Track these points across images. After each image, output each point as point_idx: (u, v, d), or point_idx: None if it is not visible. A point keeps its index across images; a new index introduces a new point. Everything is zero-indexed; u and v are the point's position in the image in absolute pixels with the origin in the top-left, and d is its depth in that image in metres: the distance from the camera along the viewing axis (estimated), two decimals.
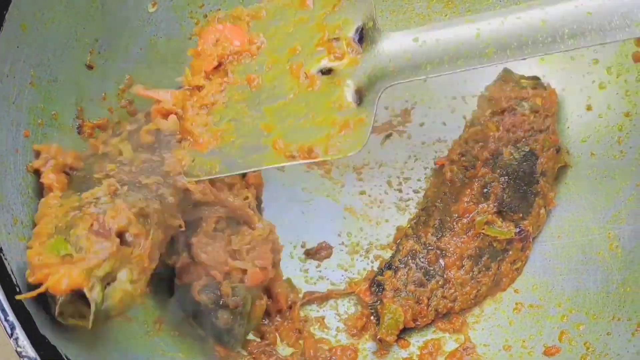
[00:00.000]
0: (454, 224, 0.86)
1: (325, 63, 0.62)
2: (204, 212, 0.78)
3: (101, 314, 0.65)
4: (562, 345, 0.81)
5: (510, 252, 0.86)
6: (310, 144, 0.60)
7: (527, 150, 0.87)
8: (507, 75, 0.93)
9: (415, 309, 0.84)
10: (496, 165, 0.87)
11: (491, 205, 0.85)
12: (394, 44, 0.63)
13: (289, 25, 0.65)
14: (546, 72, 0.93)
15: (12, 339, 0.62)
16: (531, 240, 0.87)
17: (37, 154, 0.74)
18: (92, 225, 0.66)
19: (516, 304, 0.86)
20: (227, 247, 0.78)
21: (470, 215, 0.86)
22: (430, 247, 0.86)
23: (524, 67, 0.93)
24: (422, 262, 0.86)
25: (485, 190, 0.86)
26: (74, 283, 0.63)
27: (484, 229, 0.85)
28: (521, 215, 0.86)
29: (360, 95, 0.62)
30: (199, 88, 0.66)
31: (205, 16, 0.92)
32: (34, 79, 0.76)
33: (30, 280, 0.65)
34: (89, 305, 0.64)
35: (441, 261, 0.85)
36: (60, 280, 0.63)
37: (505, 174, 0.86)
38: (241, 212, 0.79)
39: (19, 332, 0.62)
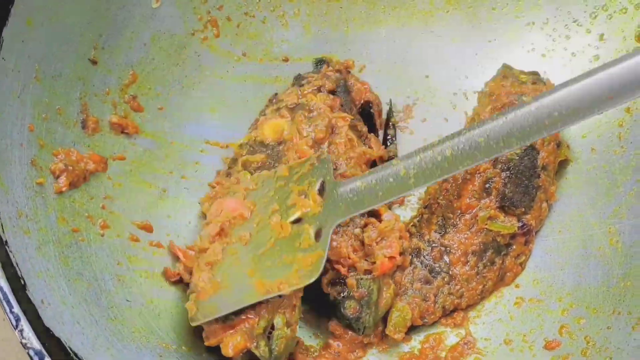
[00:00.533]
0: (457, 220, 0.86)
1: (296, 215, 0.79)
2: None
3: None
4: (563, 339, 0.81)
5: (514, 247, 0.87)
6: (281, 279, 0.75)
7: (528, 145, 0.88)
8: (506, 71, 0.93)
9: (423, 307, 0.84)
10: (497, 160, 0.87)
11: (493, 201, 0.86)
12: (344, 189, 0.78)
13: (271, 191, 0.82)
14: (547, 68, 0.93)
15: (17, 330, 0.63)
16: (534, 234, 0.88)
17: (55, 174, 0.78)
18: None
19: (517, 298, 0.87)
20: (350, 241, 0.82)
21: (473, 211, 0.86)
22: (434, 245, 0.86)
23: (524, 64, 0.94)
24: (427, 260, 0.86)
25: (487, 185, 0.86)
26: (239, 347, 0.73)
27: (487, 224, 0.85)
28: (523, 209, 0.86)
29: (318, 234, 0.77)
30: (205, 250, 0.80)
31: (209, 12, 0.93)
32: (38, 73, 0.76)
33: (207, 344, 0.75)
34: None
35: (446, 258, 0.85)
36: (227, 346, 0.73)
37: (506, 169, 0.86)
38: None
39: (24, 324, 0.63)
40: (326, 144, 0.87)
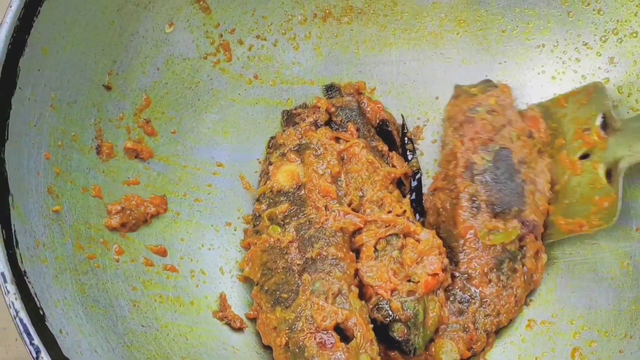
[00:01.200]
0: (463, 247, 0.86)
1: (583, 150, 0.79)
2: (363, 238, 0.84)
3: None
4: None
5: (527, 248, 0.86)
6: (582, 220, 0.80)
7: (497, 148, 0.88)
8: (458, 90, 0.94)
9: (466, 338, 0.84)
10: (473, 175, 0.88)
11: (486, 213, 0.86)
12: (629, 128, 0.76)
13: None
14: (557, 90, 0.93)
15: None
16: (541, 225, 0.87)
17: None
18: (315, 338, 0.75)
19: (529, 320, 0.87)
20: (390, 265, 0.82)
21: (473, 232, 0.86)
22: (454, 276, 0.86)
23: (535, 86, 0.94)
24: (454, 293, 0.85)
25: (474, 202, 0.86)
26: None
27: (489, 239, 0.85)
28: (518, 208, 0.86)
29: (609, 174, 0.78)
30: None
31: (221, 35, 0.93)
32: (54, 101, 0.77)
33: None
34: None
35: (468, 285, 0.85)
36: None
37: (485, 179, 0.87)
38: (401, 226, 0.84)
39: (44, 355, 0.63)
40: (344, 174, 0.88)
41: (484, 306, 0.84)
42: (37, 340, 0.63)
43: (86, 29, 0.79)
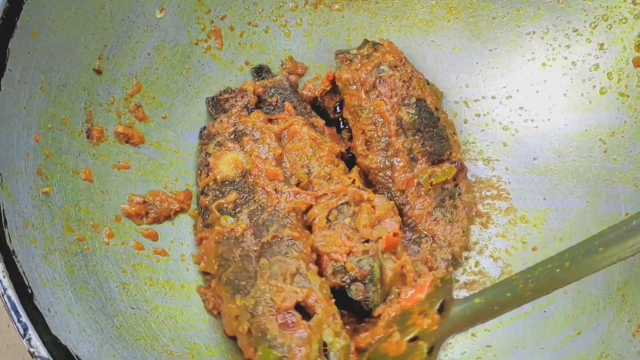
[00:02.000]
0: (406, 198, 0.89)
1: (414, 333, 0.78)
2: (315, 212, 0.84)
3: None
4: (565, 346, 0.82)
5: (460, 184, 0.92)
6: None
7: (414, 100, 0.91)
8: (342, 56, 0.94)
9: (425, 268, 0.87)
10: (404, 129, 0.90)
11: (424, 163, 0.90)
12: (460, 307, 0.77)
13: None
14: (547, 77, 0.94)
15: (24, 339, 0.63)
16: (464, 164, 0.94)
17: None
18: (276, 320, 0.75)
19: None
20: (343, 231, 0.82)
21: (416, 182, 0.89)
22: (406, 227, 0.90)
23: (525, 72, 0.95)
24: (407, 236, 0.90)
25: (411, 155, 0.90)
26: None
27: (432, 181, 0.89)
28: (448, 152, 0.91)
29: (431, 349, 0.78)
30: None
31: (212, 22, 0.94)
32: (44, 84, 0.77)
33: None
34: None
35: (419, 228, 0.90)
36: None
37: (416, 131, 0.91)
38: (352, 195, 0.85)
39: (32, 333, 0.63)
40: (287, 154, 0.88)
41: (436, 241, 0.89)
42: (24, 318, 0.64)
43: (77, 13, 0.80)
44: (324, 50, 0.99)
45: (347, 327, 0.81)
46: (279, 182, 0.85)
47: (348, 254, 0.81)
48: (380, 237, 0.82)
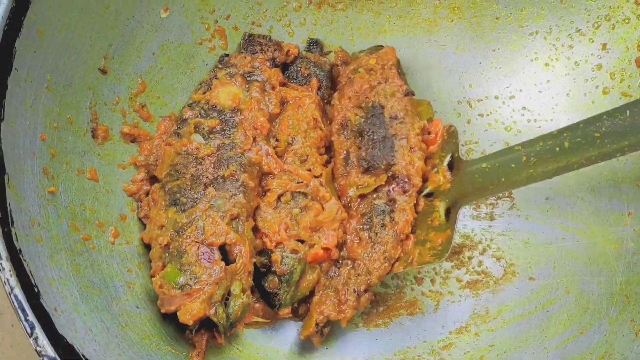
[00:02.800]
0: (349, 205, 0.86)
1: (429, 189, 0.81)
2: (272, 183, 0.85)
3: (228, 329, 0.76)
4: (567, 345, 0.82)
5: (397, 202, 0.85)
6: (415, 256, 0.81)
7: (370, 105, 0.90)
8: (351, 57, 0.96)
9: (335, 300, 0.82)
10: (348, 130, 0.89)
11: (356, 168, 0.87)
12: (470, 168, 0.79)
13: None
14: (550, 77, 0.94)
15: (31, 338, 0.63)
16: (415, 181, 0.86)
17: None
18: (198, 249, 0.76)
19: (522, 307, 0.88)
20: (285, 219, 0.82)
21: (350, 192, 0.86)
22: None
23: (528, 73, 0.95)
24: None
25: (348, 158, 0.88)
26: (198, 315, 0.74)
27: (359, 189, 0.85)
28: (387, 161, 0.86)
29: (448, 213, 0.79)
30: None
31: (216, 21, 0.94)
32: (50, 83, 0.77)
33: (162, 311, 0.76)
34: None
35: (346, 247, 0.84)
36: (186, 314, 0.73)
37: (359, 134, 0.89)
38: (311, 187, 0.84)
39: (39, 331, 0.64)
40: (282, 119, 0.89)
41: (355, 266, 0.83)
42: (31, 317, 0.64)
43: (82, 12, 0.80)
44: (328, 49, 0.99)
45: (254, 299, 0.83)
46: (261, 134, 0.86)
47: (278, 243, 0.81)
48: (315, 244, 0.81)
